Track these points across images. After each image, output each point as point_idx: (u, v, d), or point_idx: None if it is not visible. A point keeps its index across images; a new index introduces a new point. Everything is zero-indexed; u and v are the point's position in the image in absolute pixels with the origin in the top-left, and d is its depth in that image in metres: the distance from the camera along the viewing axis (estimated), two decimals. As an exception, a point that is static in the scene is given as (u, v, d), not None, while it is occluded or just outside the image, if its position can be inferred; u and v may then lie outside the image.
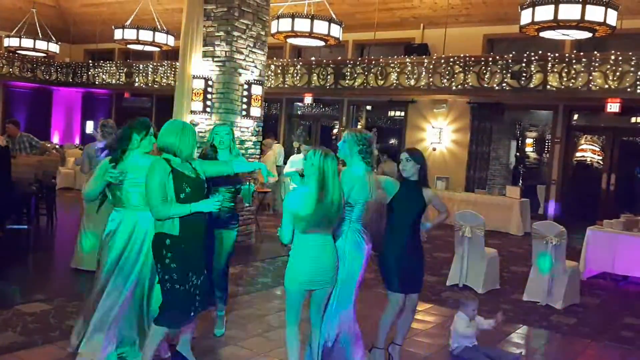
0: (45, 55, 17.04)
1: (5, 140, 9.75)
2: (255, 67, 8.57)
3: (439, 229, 10.09)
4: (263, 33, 8.65)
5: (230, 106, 8.24)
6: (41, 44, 15.44)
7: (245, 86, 8.37)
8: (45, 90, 20.79)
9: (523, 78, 11.78)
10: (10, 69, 19.07)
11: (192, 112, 8.27)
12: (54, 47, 15.76)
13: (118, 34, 13.24)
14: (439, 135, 14.45)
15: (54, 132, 21.11)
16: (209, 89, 8.23)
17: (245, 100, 8.36)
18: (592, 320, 6.26)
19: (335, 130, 16.79)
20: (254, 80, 8.48)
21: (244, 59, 8.36)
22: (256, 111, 8.47)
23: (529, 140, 17.07)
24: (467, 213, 7.32)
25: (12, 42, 15.34)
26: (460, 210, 7.83)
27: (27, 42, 15.31)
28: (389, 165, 8.71)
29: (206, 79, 8.19)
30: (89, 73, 19.85)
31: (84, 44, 20.98)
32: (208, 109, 8.25)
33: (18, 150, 9.61)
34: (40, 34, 15.90)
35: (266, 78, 15.24)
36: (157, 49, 14.65)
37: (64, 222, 9.60)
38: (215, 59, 8.27)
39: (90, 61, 20.42)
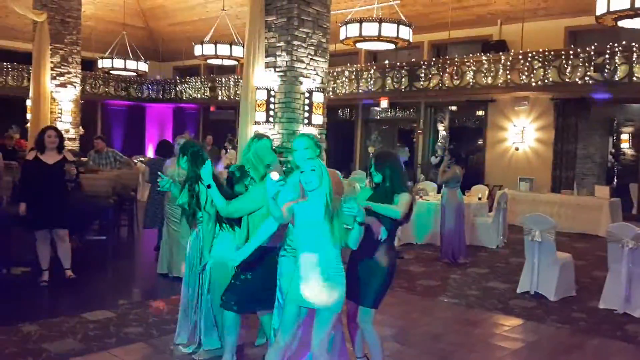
0: (136, 74, 18.04)
1: (94, 154, 10.41)
2: (317, 74, 8.61)
3: (518, 232, 9.52)
4: (324, 40, 8.67)
5: (292, 115, 8.32)
6: (131, 64, 16.33)
7: (307, 94, 8.42)
8: (139, 107, 22.04)
9: (607, 71, 11.04)
10: (107, 89, 20.39)
11: (256, 122, 8.43)
12: (143, 66, 16.63)
13: (198, 50, 13.78)
14: (522, 134, 13.85)
15: (148, 146, 22.30)
16: (272, 99, 8.35)
17: (307, 108, 8.41)
18: (675, 330, 5.72)
19: (414, 134, 16.53)
20: (316, 88, 8.51)
21: (305, 68, 8.42)
22: (318, 119, 8.50)
23: (624, 136, 15.97)
24: (536, 216, 6.94)
25: (106, 63, 16.34)
26: (531, 214, 7.41)
27: (118, 63, 16.24)
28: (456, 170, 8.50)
29: (268, 90, 8.32)
30: (177, 89, 20.81)
31: (172, 61, 22.02)
32: (271, 119, 8.37)
33: (104, 165, 10.24)
34: (130, 54, 16.82)
35: (340, 84, 15.32)
36: (236, 63, 15.09)
37: (145, 233, 10.04)
38: (277, 69, 8.39)
39: (177, 77, 21.39)
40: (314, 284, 3.23)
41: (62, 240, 6.42)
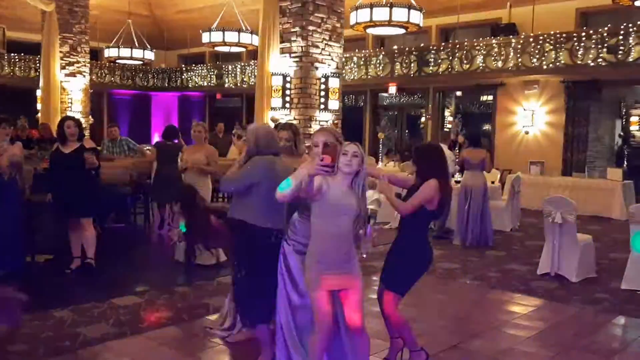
0: (142, 62, 17.99)
1: (107, 142, 10.42)
2: (332, 59, 8.61)
3: (534, 216, 9.53)
4: (338, 25, 8.66)
5: (309, 100, 8.34)
6: (137, 53, 16.29)
7: (323, 79, 8.42)
8: (145, 96, 22.01)
9: (620, 52, 11.00)
10: (112, 78, 20.37)
11: (272, 108, 8.43)
12: (149, 55, 16.59)
13: (205, 37, 13.71)
14: (532, 117, 13.83)
15: (154, 135, 22.28)
16: (288, 85, 8.35)
17: (323, 93, 8.41)
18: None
19: (422, 119, 16.51)
20: (331, 73, 8.51)
21: (320, 53, 8.42)
22: (334, 104, 8.51)
23: (634, 119, 15.94)
24: (556, 198, 6.96)
25: (112, 52, 16.29)
26: (551, 196, 7.43)
27: (125, 52, 16.19)
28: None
29: (284, 76, 8.32)
30: (183, 77, 20.77)
31: (177, 49, 21.93)
32: (287, 105, 8.38)
33: (118, 153, 10.24)
34: (136, 42, 16.77)
35: (349, 70, 15.27)
36: (244, 50, 15.04)
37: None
38: (292, 55, 8.38)
39: (183, 66, 21.33)
40: (341, 266, 3.22)
41: (82, 229, 6.43)
